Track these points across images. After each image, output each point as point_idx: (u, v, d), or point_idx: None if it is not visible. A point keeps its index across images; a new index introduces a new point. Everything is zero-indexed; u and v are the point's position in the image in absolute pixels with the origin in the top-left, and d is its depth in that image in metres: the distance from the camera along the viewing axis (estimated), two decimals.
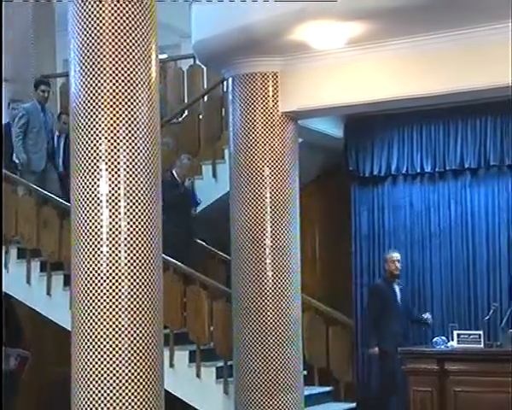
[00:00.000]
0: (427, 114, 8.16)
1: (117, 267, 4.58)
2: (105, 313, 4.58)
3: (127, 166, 4.64)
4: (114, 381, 4.56)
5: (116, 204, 4.60)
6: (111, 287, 4.59)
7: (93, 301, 4.62)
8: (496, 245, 8.18)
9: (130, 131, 4.65)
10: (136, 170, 4.67)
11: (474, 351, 5.53)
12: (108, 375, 4.57)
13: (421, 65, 6.33)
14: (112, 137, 4.62)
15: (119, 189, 4.61)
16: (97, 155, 4.64)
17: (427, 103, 7.12)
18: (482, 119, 8.13)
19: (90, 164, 4.66)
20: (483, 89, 6.21)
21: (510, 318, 6.69)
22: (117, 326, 4.58)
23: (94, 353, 4.61)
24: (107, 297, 4.60)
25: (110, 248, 4.59)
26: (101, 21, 4.69)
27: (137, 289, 4.61)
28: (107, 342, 4.59)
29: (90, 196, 4.64)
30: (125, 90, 4.63)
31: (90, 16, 4.72)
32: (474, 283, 8.18)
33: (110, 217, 4.58)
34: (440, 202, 8.52)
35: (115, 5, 4.67)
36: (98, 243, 4.62)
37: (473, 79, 6.14)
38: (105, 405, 4.57)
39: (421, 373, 5.55)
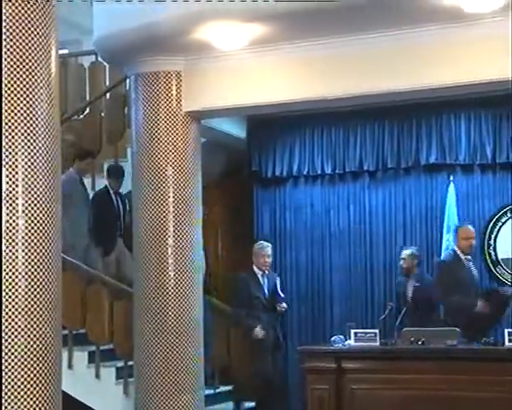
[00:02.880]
0: (328, 117, 8.33)
1: (14, 266, 4.47)
2: (1, 313, 4.46)
3: (25, 164, 4.53)
4: (10, 383, 4.45)
5: (14, 202, 4.49)
6: (7, 286, 4.48)
7: None
8: (392, 246, 8.43)
9: (28, 128, 4.54)
10: (35, 167, 4.57)
11: (370, 349, 5.66)
12: (4, 377, 4.46)
13: (323, 68, 6.43)
14: (10, 134, 4.51)
15: (17, 186, 4.50)
16: None
17: (327, 106, 7.24)
18: (380, 123, 8.37)
19: None
20: (383, 93, 6.37)
21: (405, 317, 6.92)
22: (13, 327, 4.46)
23: None
24: (4, 297, 4.48)
25: (7, 247, 4.48)
26: None
27: (35, 289, 4.50)
28: (3, 344, 4.47)
29: None
30: (24, 86, 4.53)
31: None
32: (371, 282, 8.42)
33: (7, 215, 4.47)
34: (340, 203, 8.71)
35: None
36: None
37: (372, 83, 6.29)
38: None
39: (319, 372, 5.65)
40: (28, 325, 4.48)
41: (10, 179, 4.53)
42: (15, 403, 4.44)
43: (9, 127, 4.53)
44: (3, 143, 4.53)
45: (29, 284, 4.51)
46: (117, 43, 6.52)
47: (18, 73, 4.53)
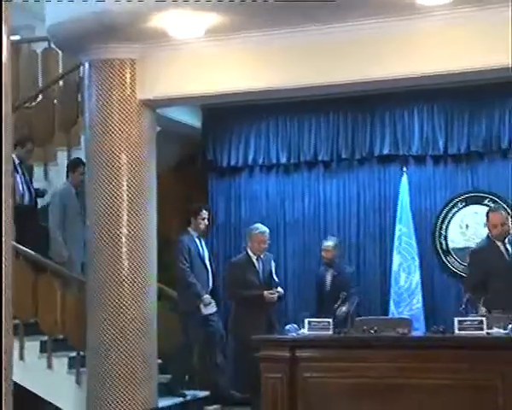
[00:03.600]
0: (284, 108, 8.36)
1: None
2: None
3: None
4: None
5: None
6: None
7: None
8: (346, 235, 8.51)
9: None
10: None
11: (323, 338, 5.70)
12: None
13: (278, 58, 6.43)
14: None
15: None
16: None
17: (282, 96, 7.26)
18: (335, 114, 8.43)
19: None
20: (336, 84, 6.40)
21: (358, 306, 6.99)
22: None
23: None
24: None
25: None
26: None
27: None
28: None
29: None
30: None
31: None
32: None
33: None
34: (295, 193, 8.76)
35: None
36: None
37: (326, 74, 6.32)
38: None
39: (273, 360, 5.67)
40: None
41: None
42: None
43: None
44: None
45: None
46: (70, 30, 6.42)
47: None
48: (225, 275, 8.08)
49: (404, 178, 8.22)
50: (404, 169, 8.25)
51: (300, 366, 5.67)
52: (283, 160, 8.65)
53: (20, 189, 8.07)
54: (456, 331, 5.36)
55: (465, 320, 5.39)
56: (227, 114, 8.57)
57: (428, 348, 5.52)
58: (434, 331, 5.81)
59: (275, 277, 7.77)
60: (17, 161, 8.00)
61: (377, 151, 8.33)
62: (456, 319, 5.40)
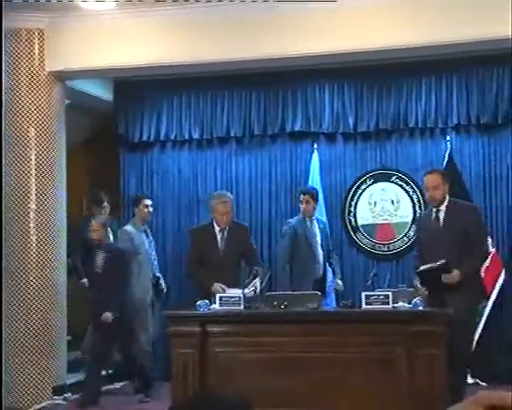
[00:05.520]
0: (196, 83, 8.31)
1: None
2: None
3: None
4: None
5: None
6: None
7: None
8: (258, 212, 8.56)
9: None
10: None
11: (234, 313, 5.74)
12: None
13: (189, 32, 6.41)
14: None
15: None
16: None
17: (194, 71, 7.23)
18: (247, 90, 8.44)
19: None
20: (248, 60, 6.42)
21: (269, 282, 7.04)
22: None
23: None
24: None
25: None
26: None
27: None
28: None
29: None
30: None
31: None
32: None
33: None
34: (207, 168, 8.74)
35: None
36: None
37: (238, 49, 6.32)
38: None
39: (184, 336, 5.67)
40: None
41: None
42: None
43: None
44: None
45: None
46: None
47: None
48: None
49: (315, 155, 8.31)
50: (315, 146, 8.35)
51: (211, 342, 5.69)
52: (196, 135, 8.61)
53: None
54: (364, 306, 5.48)
55: (372, 295, 5.51)
56: (139, 88, 8.46)
57: (336, 322, 5.63)
58: (343, 306, 5.93)
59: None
60: None
61: (289, 128, 8.39)
62: (363, 294, 5.52)
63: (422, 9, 6.46)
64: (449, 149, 7.93)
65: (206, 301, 5.86)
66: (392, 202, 7.67)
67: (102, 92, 8.55)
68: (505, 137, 8.03)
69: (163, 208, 8.74)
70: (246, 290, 5.93)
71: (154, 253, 7.99)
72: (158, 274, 7.98)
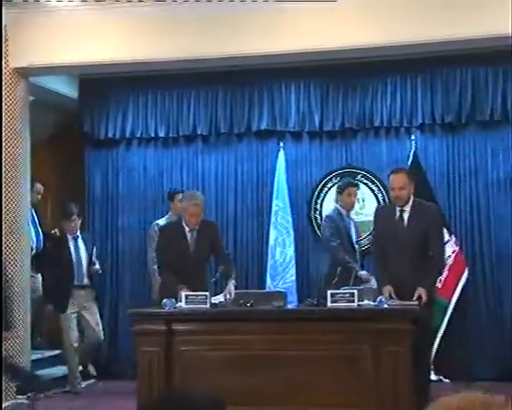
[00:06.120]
0: (163, 80, 8.28)
1: None
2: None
3: None
4: None
5: None
6: None
7: None
8: (224, 210, 8.56)
9: None
10: None
11: (199, 311, 5.73)
12: None
13: (155, 30, 6.38)
14: None
15: None
16: None
17: (159, 68, 7.20)
18: (214, 88, 8.43)
19: None
20: (212, 58, 6.41)
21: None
22: None
23: None
24: None
25: None
26: None
27: None
28: None
29: None
30: None
31: None
32: None
33: None
34: (173, 166, 8.71)
35: None
36: None
37: (203, 48, 6.32)
38: None
39: (150, 334, 5.64)
40: None
41: None
42: None
43: None
44: None
45: None
46: None
47: None
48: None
49: (281, 154, 8.33)
50: (281, 145, 8.37)
51: (177, 340, 5.67)
52: (162, 133, 8.58)
53: None
54: (329, 304, 5.50)
55: (337, 293, 5.53)
56: (105, 85, 8.41)
57: (302, 320, 5.64)
58: (308, 304, 5.94)
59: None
60: None
61: (255, 126, 8.41)
62: (328, 292, 5.53)
63: (386, 9, 6.51)
64: (414, 148, 8.01)
65: (173, 299, 5.83)
66: (358, 200, 7.71)
67: (68, 89, 8.48)
68: (468, 137, 8.13)
69: (128, 206, 8.70)
70: (221, 297, 5.96)
71: None
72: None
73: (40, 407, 6.20)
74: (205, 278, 6.39)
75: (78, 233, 7.71)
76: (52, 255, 7.66)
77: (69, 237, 7.60)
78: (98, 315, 7.71)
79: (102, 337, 7.74)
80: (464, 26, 6.34)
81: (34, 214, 7.93)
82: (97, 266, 7.77)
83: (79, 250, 7.63)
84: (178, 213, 7.01)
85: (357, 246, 7.36)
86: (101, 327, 7.69)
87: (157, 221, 7.73)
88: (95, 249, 7.79)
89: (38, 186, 8.12)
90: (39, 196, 8.19)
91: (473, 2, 6.34)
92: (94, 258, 7.70)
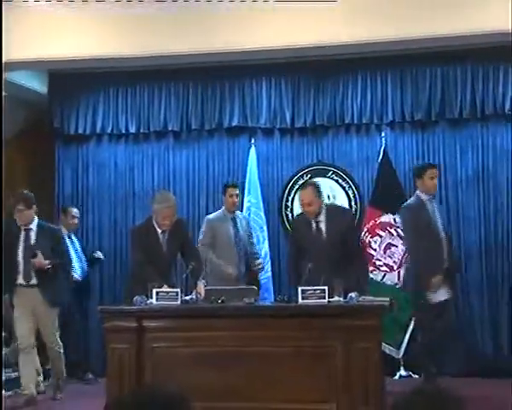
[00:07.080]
0: (133, 76, 8.25)
1: None
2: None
3: None
4: None
5: None
6: None
7: None
8: (195, 206, 8.56)
9: None
10: None
11: (170, 308, 5.72)
12: None
13: (126, 26, 6.37)
14: None
15: None
16: None
17: (130, 64, 7.17)
18: (185, 84, 8.41)
19: None
20: (183, 54, 6.41)
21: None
22: None
23: None
24: None
25: None
26: None
27: None
28: None
29: None
30: None
31: None
32: None
33: None
34: (144, 162, 8.68)
35: None
36: None
37: (173, 44, 6.31)
38: None
39: (120, 331, 5.62)
40: None
41: None
42: None
43: None
44: None
45: None
46: None
47: None
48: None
49: (253, 150, 8.34)
50: (253, 141, 8.38)
51: (148, 337, 5.66)
52: (132, 129, 8.54)
53: None
54: (300, 301, 5.52)
55: (308, 290, 5.55)
56: (75, 81, 8.35)
57: (273, 317, 5.66)
58: (279, 301, 5.97)
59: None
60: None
61: (226, 123, 8.40)
62: (299, 289, 5.56)
63: (356, 6, 6.54)
64: (384, 144, 8.07)
65: (144, 296, 5.82)
66: (329, 197, 7.75)
67: (38, 84, 8.40)
68: (438, 134, 8.20)
69: (98, 202, 8.66)
70: (192, 296, 5.97)
71: None
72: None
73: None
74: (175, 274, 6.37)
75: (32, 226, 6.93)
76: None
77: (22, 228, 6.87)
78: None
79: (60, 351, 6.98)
80: (433, 24, 6.40)
81: (75, 241, 7.94)
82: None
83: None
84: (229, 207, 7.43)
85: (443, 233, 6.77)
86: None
87: (208, 216, 7.74)
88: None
89: (75, 211, 8.03)
90: (76, 221, 8.06)
91: (442, 1, 6.39)
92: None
